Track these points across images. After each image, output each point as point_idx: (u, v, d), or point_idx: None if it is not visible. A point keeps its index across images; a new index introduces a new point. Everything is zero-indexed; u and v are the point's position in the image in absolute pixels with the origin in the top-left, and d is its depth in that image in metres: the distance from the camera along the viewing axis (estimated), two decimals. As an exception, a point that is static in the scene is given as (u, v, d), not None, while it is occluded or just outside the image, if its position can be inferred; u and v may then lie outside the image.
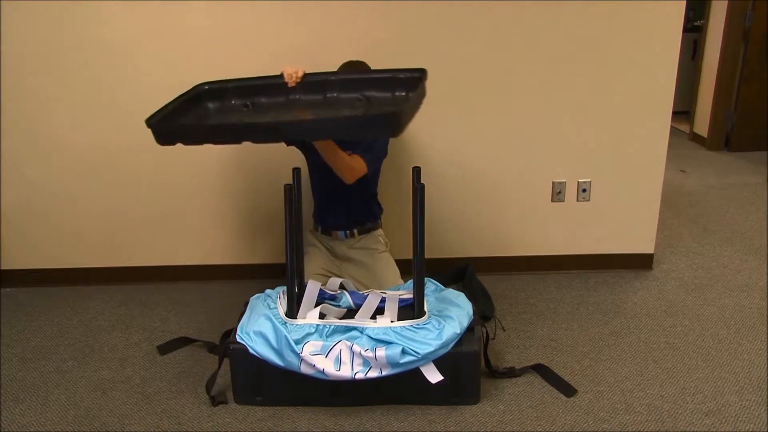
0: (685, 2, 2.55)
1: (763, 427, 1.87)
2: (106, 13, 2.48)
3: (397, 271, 2.50)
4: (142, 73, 2.57)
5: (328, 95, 2.10)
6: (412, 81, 1.99)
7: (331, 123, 1.94)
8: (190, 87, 2.12)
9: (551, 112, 2.68)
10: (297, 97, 2.12)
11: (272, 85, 2.13)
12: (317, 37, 2.54)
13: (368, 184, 2.46)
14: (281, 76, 2.10)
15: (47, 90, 2.59)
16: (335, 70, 2.31)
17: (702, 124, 5.08)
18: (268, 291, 2.17)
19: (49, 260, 2.84)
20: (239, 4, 2.50)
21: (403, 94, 2.01)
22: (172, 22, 2.51)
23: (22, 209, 2.75)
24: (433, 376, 1.89)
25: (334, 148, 2.15)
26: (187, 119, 2.03)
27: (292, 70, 2.09)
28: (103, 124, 2.64)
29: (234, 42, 2.54)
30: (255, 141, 1.96)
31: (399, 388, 1.95)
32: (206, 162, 2.72)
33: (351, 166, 2.22)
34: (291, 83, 2.10)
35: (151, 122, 1.88)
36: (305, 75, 2.10)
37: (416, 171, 2.06)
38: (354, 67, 2.31)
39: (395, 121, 1.74)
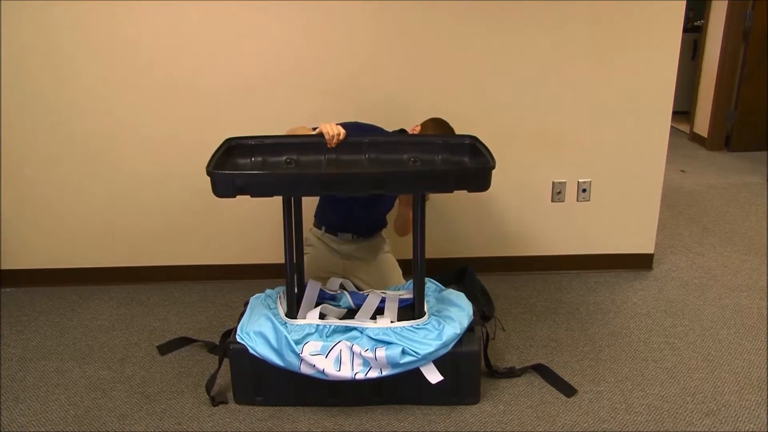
0: (685, 2, 2.55)
1: (763, 427, 1.87)
2: (109, 13, 2.48)
3: (400, 272, 2.51)
4: (144, 73, 2.57)
5: (368, 156, 2.06)
6: (458, 147, 2.03)
7: (435, 174, 1.90)
8: (221, 142, 2.01)
9: (551, 112, 2.67)
10: (336, 156, 2.05)
11: (311, 143, 2.05)
12: (321, 44, 2.55)
13: (386, 206, 2.50)
14: (320, 135, 2.04)
15: (47, 90, 2.58)
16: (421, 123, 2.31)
17: (702, 124, 5.07)
18: (268, 291, 2.17)
19: (49, 260, 2.84)
20: (241, 7, 2.50)
21: (464, 158, 2.03)
22: (175, 22, 2.51)
23: (22, 209, 2.75)
24: (433, 376, 1.89)
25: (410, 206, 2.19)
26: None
27: (334, 132, 2.03)
28: (102, 124, 2.64)
29: (235, 45, 2.55)
30: (340, 192, 2.01)
31: (399, 388, 1.95)
32: (204, 163, 2.71)
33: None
34: (332, 144, 2.04)
35: (210, 170, 1.81)
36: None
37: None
38: (440, 126, 2.28)
39: (489, 175, 1.80)
